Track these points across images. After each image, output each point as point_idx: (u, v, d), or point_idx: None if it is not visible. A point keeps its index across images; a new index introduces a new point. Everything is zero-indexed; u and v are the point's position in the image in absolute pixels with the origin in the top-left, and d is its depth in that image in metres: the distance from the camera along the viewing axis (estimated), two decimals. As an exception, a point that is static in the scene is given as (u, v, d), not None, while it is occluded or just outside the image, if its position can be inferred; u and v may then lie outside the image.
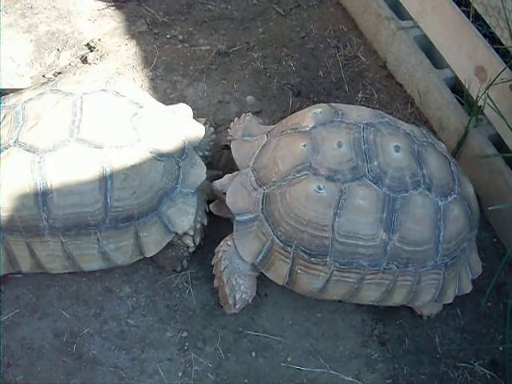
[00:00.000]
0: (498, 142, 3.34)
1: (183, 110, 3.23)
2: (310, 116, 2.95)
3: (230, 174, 3.10)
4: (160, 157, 2.95)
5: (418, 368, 2.96)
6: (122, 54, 3.89)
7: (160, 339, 2.98)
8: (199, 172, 3.08)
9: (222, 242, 2.99)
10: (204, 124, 3.30)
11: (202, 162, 3.12)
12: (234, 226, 2.91)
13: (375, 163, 2.76)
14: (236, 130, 3.28)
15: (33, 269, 3.01)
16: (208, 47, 3.96)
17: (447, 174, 2.88)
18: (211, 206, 3.14)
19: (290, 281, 2.86)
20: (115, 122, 2.93)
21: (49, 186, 2.81)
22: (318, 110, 2.97)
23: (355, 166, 2.75)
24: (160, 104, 3.19)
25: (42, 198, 2.82)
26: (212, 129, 3.38)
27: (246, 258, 2.89)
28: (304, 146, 2.82)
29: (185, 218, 3.01)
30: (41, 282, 3.09)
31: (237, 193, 2.94)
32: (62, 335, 2.97)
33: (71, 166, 2.82)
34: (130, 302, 3.07)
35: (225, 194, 3.01)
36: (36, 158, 2.82)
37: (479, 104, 3.33)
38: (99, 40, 3.95)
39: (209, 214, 3.17)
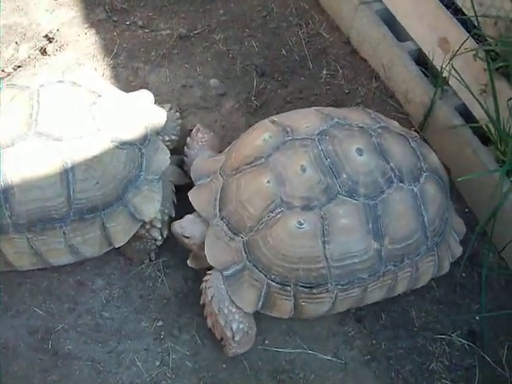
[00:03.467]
0: (464, 113, 3.32)
1: (144, 97, 3.18)
2: (260, 144, 2.84)
3: (190, 216, 2.96)
4: (121, 145, 2.92)
5: (395, 342, 2.97)
6: (81, 44, 3.82)
7: (135, 330, 2.96)
8: (163, 157, 3.04)
9: (204, 277, 2.88)
10: (169, 110, 3.26)
11: (166, 148, 3.08)
12: (224, 282, 2.78)
13: (344, 176, 2.70)
14: (191, 149, 3.19)
15: (2, 267, 2.97)
16: (169, 31, 3.90)
17: (411, 155, 2.87)
18: (189, 262, 2.99)
19: (296, 313, 2.80)
20: (73, 113, 2.89)
21: (9, 182, 2.79)
22: (267, 135, 2.84)
23: (326, 187, 2.68)
24: (120, 92, 3.15)
25: (3, 195, 2.79)
26: (177, 114, 3.33)
27: (247, 309, 2.79)
28: (268, 182, 2.72)
29: (151, 205, 2.98)
30: (11, 280, 3.03)
31: (214, 248, 2.81)
32: (36, 332, 2.93)
33: (30, 160, 2.79)
34: (103, 294, 3.04)
35: (185, 237, 2.91)
36: None
37: (444, 75, 3.31)
38: (58, 30, 3.86)
39: (176, 205, 3.12)
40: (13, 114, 2.84)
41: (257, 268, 2.74)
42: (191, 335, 2.95)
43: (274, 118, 3.00)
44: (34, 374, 2.84)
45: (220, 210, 2.84)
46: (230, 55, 3.85)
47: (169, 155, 3.06)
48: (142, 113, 3.06)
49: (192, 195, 2.97)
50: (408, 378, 2.87)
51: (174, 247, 3.12)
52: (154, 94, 3.24)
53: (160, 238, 3.07)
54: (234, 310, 2.79)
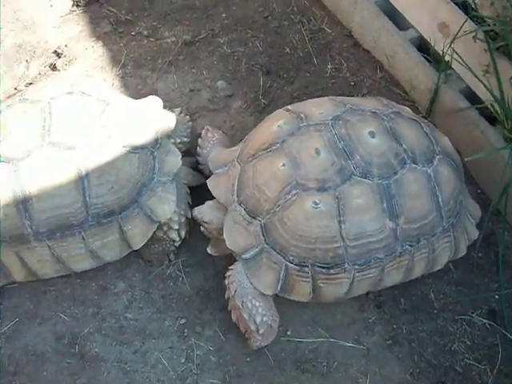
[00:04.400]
0: (469, 95, 3.35)
1: (153, 102, 3.24)
2: (275, 131, 2.91)
3: (210, 202, 3.04)
4: (133, 149, 2.98)
5: (416, 326, 3.00)
6: (89, 57, 3.90)
7: (159, 329, 3.01)
8: (174, 159, 3.11)
9: (226, 273, 2.93)
10: (179, 113, 3.33)
11: (177, 150, 3.15)
12: (243, 265, 2.85)
13: (358, 157, 2.76)
14: (203, 149, 3.28)
15: (27, 277, 3.06)
16: (174, 39, 3.97)
17: (424, 138, 2.91)
18: (208, 249, 3.06)
19: (315, 296, 2.84)
20: (84, 122, 2.98)
21: (27, 192, 2.87)
22: (282, 122, 2.92)
23: (340, 168, 2.73)
24: (128, 99, 3.23)
25: (22, 205, 2.87)
26: (187, 117, 3.40)
27: (267, 291, 2.84)
28: (283, 165, 2.78)
29: (166, 205, 3.04)
30: (37, 289, 3.11)
31: (233, 232, 2.88)
32: (63, 338, 3.00)
33: (46, 170, 2.88)
34: (125, 296, 3.10)
35: (204, 222, 2.99)
36: (11, 167, 2.87)
37: (446, 59, 3.34)
38: (66, 46, 3.95)
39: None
40: (26, 127, 2.94)
41: (275, 250, 2.79)
42: (214, 331, 3.00)
43: (289, 107, 3.08)
44: (63, 378, 2.91)
45: (238, 196, 2.91)
46: (235, 57, 3.91)
47: (180, 156, 3.12)
48: (151, 117, 3.14)
49: (210, 182, 3.06)
50: (431, 360, 2.89)
51: (193, 247, 3.19)
52: (163, 100, 3.30)
53: (178, 239, 3.13)
54: (257, 303, 2.84)
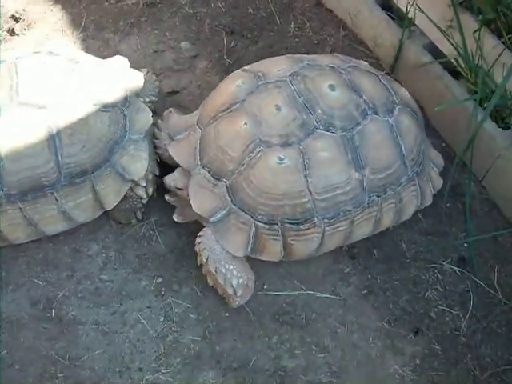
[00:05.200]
0: (432, 50, 3.41)
1: (120, 62, 3.20)
2: (234, 91, 2.90)
3: (180, 168, 3.00)
4: (104, 108, 2.95)
5: (390, 275, 3.07)
6: (49, 20, 3.82)
7: (136, 289, 3.01)
8: (145, 117, 3.09)
9: (196, 240, 2.92)
10: (146, 73, 3.29)
11: (147, 107, 3.12)
12: (212, 228, 2.84)
13: (319, 111, 2.78)
14: (163, 131, 3.18)
15: None
16: (134, 0, 3.92)
17: (383, 90, 2.95)
18: (174, 217, 3.05)
19: (286, 254, 2.86)
20: (53, 81, 2.92)
21: None
22: (240, 82, 2.91)
23: (303, 123, 2.75)
24: (96, 58, 3.16)
25: None
26: (154, 76, 3.36)
27: (237, 253, 2.84)
28: (245, 123, 2.78)
29: (139, 163, 3.02)
30: (7, 255, 3.06)
31: (199, 195, 2.86)
32: (38, 303, 2.96)
33: (16, 130, 2.81)
34: (99, 258, 3.08)
35: (178, 189, 2.97)
36: None
37: (410, 16, 3.40)
38: (23, 10, 3.86)
39: (160, 163, 3.16)
40: None
41: (242, 210, 2.80)
42: (191, 288, 3.01)
43: (246, 67, 3.07)
44: (40, 343, 2.87)
45: (201, 159, 2.89)
46: (198, 17, 3.89)
47: (151, 114, 3.10)
48: (119, 76, 3.09)
49: (172, 149, 3.02)
50: (406, 308, 2.97)
51: (164, 206, 3.15)
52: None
53: (145, 196, 3.10)
54: (230, 267, 2.85)
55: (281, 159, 2.69)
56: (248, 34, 3.79)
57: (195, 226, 3.05)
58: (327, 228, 2.79)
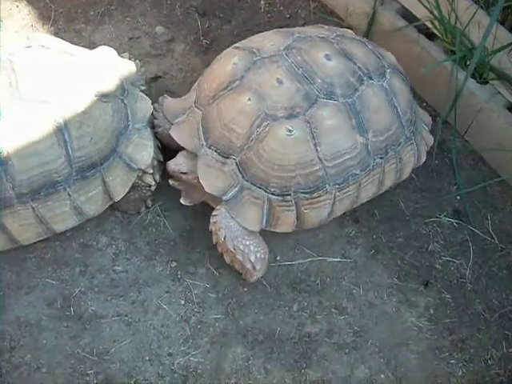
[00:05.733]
0: (405, 15, 3.53)
1: (108, 52, 3.17)
2: (231, 69, 2.91)
3: (183, 152, 3.01)
4: (105, 98, 2.93)
5: (393, 233, 3.21)
6: (16, 17, 3.72)
7: (152, 276, 3.03)
8: (145, 105, 3.09)
9: (210, 219, 2.93)
10: (129, 59, 3.26)
11: (145, 95, 3.11)
12: (226, 206, 2.86)
13: (319, 81, 2.83)
14: (159, 116, 3.16)
15: (6, 245, 2.93)
16: (101, -11, 3.89)
17: (372, 55, 3.04)
18: (182, 200, 3.06)
19: (299, 223, 2.92)
20: (52, 74, 2.87)
21: (5, 153, 2.72)
22: (236, 59, 2.92)
23: (305, 93, 2.80)
24: (85, 49, 3.13)
25: (2, 167, 2.73)
26: (138, 62, 3.33)
27: (254, 228, 2.88)
28: (249, 99, 2.80)
29: (145, 152, 3.02)
30: (15, 258, 3.03)
31: (209, 176, 2.88)
32: (55, 302, 2.95)
33: (22, 127, 2.75)
34: (110, 250, 3.09)
35: (182, 173, 2.97)
36: None
37: (380, -17, 3.51)
38: (-14, 9, 3.75)
39: (162, 149, 3.17)
40: None
41: (255, 185, 2.84)
42: (206, 268, 3.06)
43: (237, 44, 3.08)
44: (64, 343, 2.87)
45: (206, 139, 2.91)
46: (168, 1, 3.87)
47: (150, 102, 3.10)
48: (112, 66, 3.07)
49: (174, 132, 3.02)
50: (413, 262, 3.12)
51: (167, 190, 3.17)
52: None
53: (153, 183, 3.11)
54: (247, 242, 2.91)
55: (289, 131, 2.75)
56: (220, 13, 3.80)
57: (201, 208, 3.12)
58: (338, 193, 2.88)
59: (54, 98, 2.80)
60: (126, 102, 3.00)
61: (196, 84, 3.13)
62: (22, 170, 2.76)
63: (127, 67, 3.12)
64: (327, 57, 2.87)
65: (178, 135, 2.99)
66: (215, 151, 2.87)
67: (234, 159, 2.84)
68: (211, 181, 2.87)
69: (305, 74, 2.83)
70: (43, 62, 2.88)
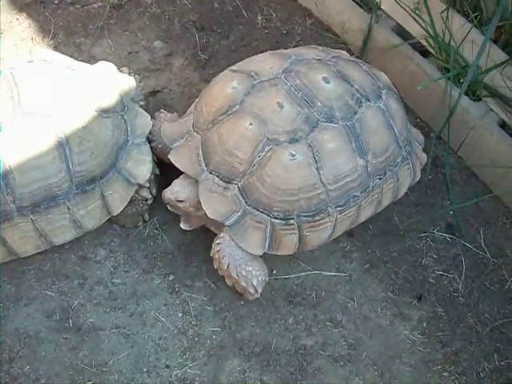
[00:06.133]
0: (399, 33, 3.60)
1: (108, 67, 3.21)
2: (230, 93, 2.92)
3: (178, 180, 3.01)
4: (105, 114, 2.97)
5: (387, 248, 3.26)
6: (16, 30, 3.77)
7: (150, 289, 3.07)
8: (144, 121, 3.13)
9: (213, 246, 2.95)
10: (129, 74, 3.30)
11: (144, 111, 3.15)
12: (229, 231, 2.88)
13: (319, 104, 2.86)
14: (155, 131, 3.17)
15: (5, 258, 2.96)
16: (100, 3, 3.91)
17: (367, 76, 3.08)
18: (181, 225, 3.07)
19: (301, 245, 2.95)
20: (54, 89, 2.89)
21: (7, 167, 2.75)
22: (235, 83, 2.93)
23: (306, 117, 2.83)
24: (85, 64, 3.17)
25: (3, 181, 2.76)
26: (138, 76, 3.37)
27: (257, 252, 2.91)
28: (250, 124, 2.81)
29: (143, 167, 3.06)
30: (14, 270, 3.05)
31: (211, 201, 2.89)
32: (53, 314, 2.98)
33: (24, 141, 2.79)
34: (108, 263, 3.12)
35: (179, 201, 2.97)
36: None
37: (376, 0, 3.57)
38: (-14, 22, 3.79)
39: (157, 163, 3.19)
40: None
41: (258, 210, 2.86)
42: (204, 282, 3.10)
43: (233, 67, 3.10)
44: (63, 354, 2.89)
45: (206, 165, 2.92)
46: (167, 16, 3.93)
47: (149, 118, 3.14)
48: (113, 81, 3.11)
49: (173, 157, 3.02)
50: (406, 276, 3.17)
51: (164, 204, 3.12)
52: None
53: (150, 196, 3.15)
54: (250, 268, 2.93)
55: (293, 155, 2.77)
56: (218, 28, 3.86)
57: (198, 220, 3.16)
58: (339, 216, 2.92)
59: (56, 113, 2.84)
60: (125, 117, 3.04)
61: (193, 107, 3.14)
62: (23, 184, 2.79)
63: (127, 83, 3.16)
64: (325, 79, 2.90)
65: (177, 160, 3.00)
66: (217, 176, 2.89)
67: (237, 184, 2.86)
68: (213, 206, 2.89)
69: (304, 97, 2.86)
70: (45, 76, 2.92)
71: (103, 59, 3.60)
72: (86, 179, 2.91)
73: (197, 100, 3.15)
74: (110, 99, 3.00)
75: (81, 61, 3.54)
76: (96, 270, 3.09)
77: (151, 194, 3.14)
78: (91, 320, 2.96)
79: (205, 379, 2.86)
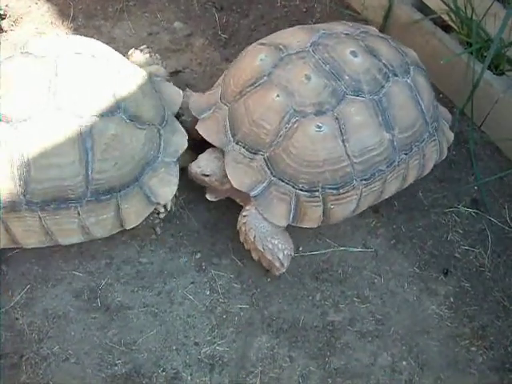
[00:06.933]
0: (421, 8, 3.59)
1: (160, 73, 3.16)
2: (258, 65, 2.93)
3: (204, 154, 3.02)
4: (141, 125, 2.87)
5: (413, 223, 3.26)
6: (35, 14, 3.78)
7: (177, 267, 3.08)
8: (180, 140, 3.03)
9: (239, 219, 2.96)
10: (150, 53, 3.25)
11: (183, 130, 3.06)
12: (254, 202, 2.89)
13: (346, 77, 2.86)
14: (185, 109, 3.17)
15: (7, 244, 2.91)
16: (118, -15, 3.94)
17: (396, 52, 3.08)
18: (207, 196, 3.07)
19: (326, 218, 2.96)
20: (93, 89, 2.79)
21: (25, 158, 2.68)
22: (263, 55, 2.95)
23: (333, 90, 2.83)
24: (137, 67, 3.05)
25: (18, 171, 2.69)
26: (158, 56, 3.32)
27: (281, 223, 2.92)
28: (277, 96, 2.83)
29: (168, 188, 2.97)
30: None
31: (237, 171, 2.91)
32: (82, 294, 2.99)
33: (48, 136, 2.69)
34: (135, 242, 3.13)
35: (204, 175, 2.98)
36: (10, 128, 2.67)
37: (397, -25, 3.55)
38: (7, 6, 3.79)
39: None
40: (29, 85, 2.72)
41: (283, 181, 2.88)
42: (230, 259, 3.11)
43: (262, 40, 3.11)
44: (92, 334, 2.91)
45: (233, 135, 2.94)
46: (186, -3, 3.95)
47: (187, 137, 3.03)
48: (158, 91, 3.04)
49: (200, 128, 3.04)
50: (432, 251, 3.17)
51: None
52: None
53: (163, 210, 3.08)
54: (275, 241, 2.94)
55: (319, 127, 2.78)
56: (237, 8, 3.87)
57: (223, 200, 3.15)
58: (364, 189, 2.92)
59: (88, 114, 2.74)
60: (161, 132, 2.96)
61: (221, 79, 3.16)
62: (37, 179, 2.72)
63: (172, 96, 3.08)
64: (353, 53, 2.91)
65: (204, 131, 3.02)
66: (243, 147, 2.91)
67: (263, 155, 2.88)
68: (239, 177, 2.90)
69: (332, 70, 2.86)
70: (88, 73, 2.82)
71: (123, 41, 3.66)
72: (103, 188, 2.82)
73: (225, 72, 3.17)
74: (149, 110, 2.92)
75: (102, 43, 3.58)
76: (123, 250, 3.10)
77: (165, 208, 3.07)
78: (119, 299, 2.98)
79: (233, 356, 2.88)
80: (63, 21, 3.76)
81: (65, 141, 2.71)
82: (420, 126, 3.00)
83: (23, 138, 2.68)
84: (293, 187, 2.87)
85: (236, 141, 2.92)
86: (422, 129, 3.02)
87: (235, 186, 2.90)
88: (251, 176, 2.89)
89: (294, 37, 3.01)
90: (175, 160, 3.00)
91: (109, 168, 2.80)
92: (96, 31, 3.73)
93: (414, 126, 2.98)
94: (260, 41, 3.10)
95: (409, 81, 2.99)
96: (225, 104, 3.01)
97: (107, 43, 3.38)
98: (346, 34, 3.03)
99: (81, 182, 2.77)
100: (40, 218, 2.80)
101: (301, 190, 2.87)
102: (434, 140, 3.10)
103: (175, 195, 3.08)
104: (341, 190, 2.88)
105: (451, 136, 3.28)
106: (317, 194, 2.87)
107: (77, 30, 3.72)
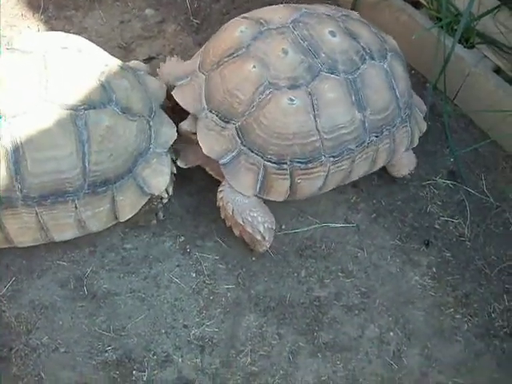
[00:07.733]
0: (388, -15, 3.63)
1: (141, 67, 3.17)
2: (238, 36, 2.96)
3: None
4: (132, 116, 2.87)
5: (392, 197, 3.32)
6: (4, 7, 3.72)
7: (162, 251, 3.09)
8: (170, 131, 3.03)
9: (217, 196, 2.99)
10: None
11: (171, 121, 3.06)
12: (222, 170, 2.92)
13: (323, 55, 2.89)
14: (163, 75, 3.21)
15: (0, 244, 2.88)
16: (88, -25, 3.92)
17: (375, 37, 3.11)
18: (178, 162, 3.08)
19: (292, 193, 2.98)
20: (85, 82, 2.77)
21: (21, 153, 2.65)
22: (243, 27, 2.97)
23: (309, 66, 2.86)
24: (120, 61, 3.03)
25: (14, 166, 2.66)
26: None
27: (247, 193, 2.93)
28: (254, 67, 2.85)
29: (161, 178, 2.96)
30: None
31: (208, 138, 2.93)
32: (68, 283, 2.98)
33: (45, 129, 2.66)
34: (118, 229, 3.12)
35: (194, 133, 2.99)
36: (4, 123, 2.64)
37: (363, -45, 3.58)
38: (-26, 0, 3.75)
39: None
40: (20, 80, 2.70)
41: (252, 151, 2.90)
42: (214, 241, 3.13)
43: (245, 14, 3.14)
44: (81, 322, 2.90)
45: (207, 103, 2.96)
46: (156, -17, 3.94)
47: (175, 128, 3.04)
48: (144, 84, 3.04)
49: (176, 94, 3.06)
50: (413, 224, 3.22)
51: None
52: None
53: (166, 195, 3.08)
54: (255, 214, 2.96)
55: (291, 100, 2.81)
56: (209, -9, 3.88)
57: (205, 184, 3.19)
58: (332, 167, 2.95)
59: (81, 107, 2.72)
60: (151, 123, 2.96)
61: (202, 49, 3.18)
62: (34, 174, 2.69)
63: (157, 88, 3.09)
64: (332, 33, 2.94)
65: (180, 98, 3.04)
66: (216, 115, 2.93)
67: (234, 124, 2.90)
68: (210, 144, 2.93)
69: (309, 47, 2.90)
70: (77, 67, 2.79)
71: (95, 30, 3.65)
72: (99, 180, 2.81)
73: (206, 43, 3.18)
74: (139, 102, 2.92)
75: (74, 33, 3.54)
76: (106, 237, 3.10)
77: (167, 192, 3.08)
78: (105, 286, 2.98)
79: (223, 336, 2.90)
80: (33, 13, 3.72)
81: (61, 133, 2.70)
82: (393, 111, 3.04)
83: (18, 132, 2.65)
84: (261, 158, 2.90)
85: (209, 109, 2.95)
86: (395, 114, 3.05)
87: (205, 152, 2.93)
88: (222, 144, 2.92)
89: (276, 13, 3.05)
90: (166, 151, 3.01)
91: (105, 159, 2.80)
92: (67, 21, 3.70)
93: (387, 110, 3.01)
94: (243, 15, 3.13)
95: (385, 66, 3.03)
96: (202, 73, 3.03)
97: (79, 33, 3.40)
98: (328, 15, 3.06)
99: (78, 175, 2.76)
100: (37, 213, 2.77)
101: (269, 161, 2.89)
102: (406, 126, 3.14)
103: (173, 181, 3.09)
104: (309, 165, 2.91)
105: (424, 126, 3.31)
106: (285, 166, 2.90)
107: (48, 22, 3.68)
